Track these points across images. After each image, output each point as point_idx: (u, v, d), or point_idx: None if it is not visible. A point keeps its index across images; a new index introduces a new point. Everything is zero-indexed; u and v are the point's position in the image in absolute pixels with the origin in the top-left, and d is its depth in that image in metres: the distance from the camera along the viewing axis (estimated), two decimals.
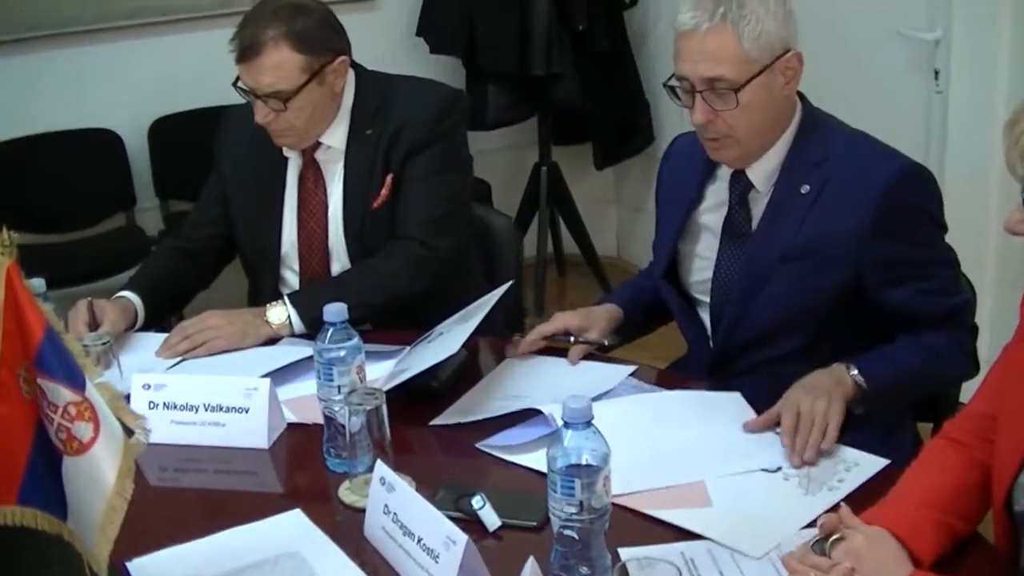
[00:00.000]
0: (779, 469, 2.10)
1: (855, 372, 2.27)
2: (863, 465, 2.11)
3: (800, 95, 2.45)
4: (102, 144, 5.03)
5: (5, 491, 1.68)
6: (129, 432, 1.70)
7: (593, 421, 1.74)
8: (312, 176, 2.94)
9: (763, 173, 2.43)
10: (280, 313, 2.74)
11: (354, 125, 2.91)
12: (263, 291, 2.99)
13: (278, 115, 2.77)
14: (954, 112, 4.00)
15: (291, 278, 2.99)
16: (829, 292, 2.38)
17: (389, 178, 2.88)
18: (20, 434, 1.68)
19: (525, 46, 5.04)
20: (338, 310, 2.16)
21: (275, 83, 2.74)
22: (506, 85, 5.19)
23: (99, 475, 1.65)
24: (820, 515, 1.88)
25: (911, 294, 2.35)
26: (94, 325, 2.67)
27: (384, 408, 2.01)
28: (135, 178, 5.11)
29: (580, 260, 5.58)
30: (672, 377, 2.56)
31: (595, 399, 2.10)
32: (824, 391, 2.21)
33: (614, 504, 1.84)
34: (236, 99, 4.41)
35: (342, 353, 2.15)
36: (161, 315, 2.94)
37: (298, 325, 2.73)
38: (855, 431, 2.21)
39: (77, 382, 1.63)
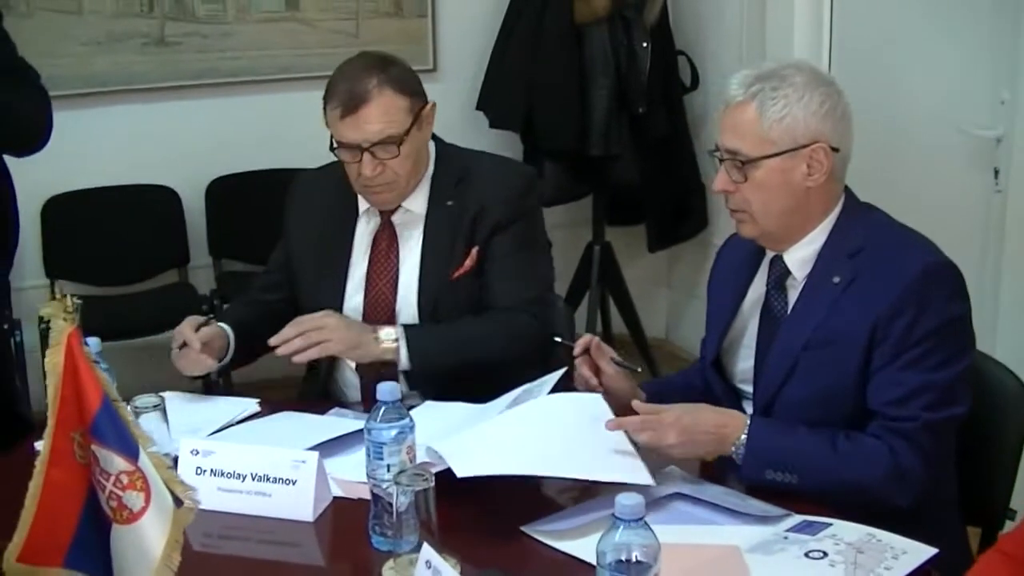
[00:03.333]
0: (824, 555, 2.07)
1: (741, 443, 2.33)
2: (911, 554, 2.06)
3: (847, 188, 2.48)
4: (160, 200, 5.10)
5: (53, 553, 1.70)
6: (178, 502, 1.70)
7: (643, 518, 1.72)
8: (387, 238, 2.96)
9: (799, 260, 2.46)
10: (390, 334, 2.78)
11: (434, 193, 2.94)
12: None
13: (385, 167, 2.79)
14: (1012, 211, 3.97)
15: None
16: (848, 381, 2.36)
17: (474, 251, 2.91)
18: (71, 498, 1.69)
19: (584, 126, 5.07)
20: (391, 389, 2.15)
21: (385, 128, 2.76)
22: (563, 163, 5.21)
23: (147, 545, 1.66)
24: None
25: (883, 376, 2.33)
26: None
27: (432, 490, 2.00)
28: (190, 236, 5.16)
29: (628, 341, 5.54)
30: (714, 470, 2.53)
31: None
32: (692, 444, 2.34)
33: None
34: (296, 163, 4.45)
35: (393, 432, 2.14)
36: (238, 361, 2.96)
37: (404, 357, 2.77)
38: (902, 525, 2.17)
39: (131, 452, 1.64)
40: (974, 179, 4.13)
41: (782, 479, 2.31)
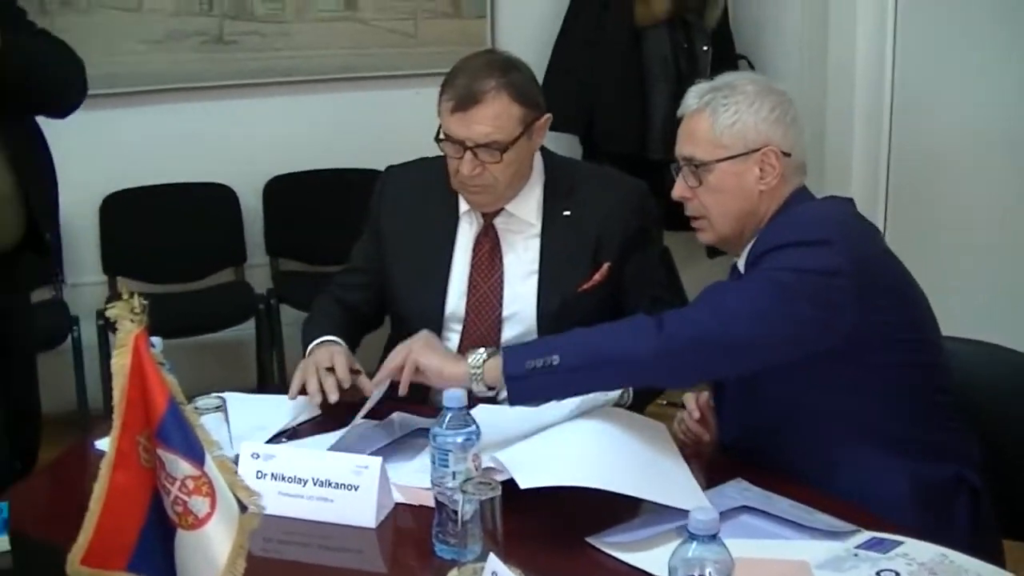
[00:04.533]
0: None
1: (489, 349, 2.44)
2: None
3: (804, 188, 2.52)
4: (217, 199, 5.12)
5: (117, 557, 1.68)
6: (243, 507, 1.68)
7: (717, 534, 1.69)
8: (489, 242, 2.92)
9: (744, 264, 2.52)
10: None
11: (548, 202, 2.91)
12: None
13: (484, 170, 2.75)
14: None
15: (453, 338, 2.93)
16: None
17: (606, 266, 2.88)
18: (136, 502, 1.67)
19: (644, 129, 5.05)
20: (457, 396, 2.12)
21: (492, 133, 2.71)
22: (622, 166, 5.15)
23: (212, 551, 1.63)
24: None
25: None
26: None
27: (499, 499, 1.97)
28: (247, 235, 5.17)
29: None
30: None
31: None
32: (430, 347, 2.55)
33: None
34: (353, 163, 4.39)
35: (460, 439, 2.11)
36: None
37: None
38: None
39: (197, 456, 1.61)
40: None
41: (543, 363, 2.32)
